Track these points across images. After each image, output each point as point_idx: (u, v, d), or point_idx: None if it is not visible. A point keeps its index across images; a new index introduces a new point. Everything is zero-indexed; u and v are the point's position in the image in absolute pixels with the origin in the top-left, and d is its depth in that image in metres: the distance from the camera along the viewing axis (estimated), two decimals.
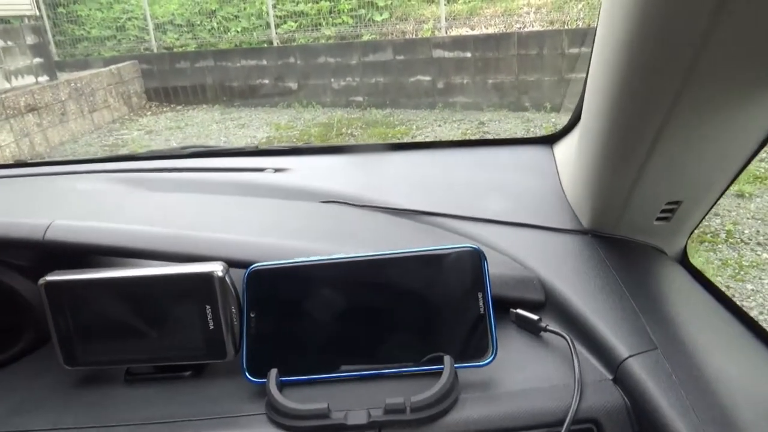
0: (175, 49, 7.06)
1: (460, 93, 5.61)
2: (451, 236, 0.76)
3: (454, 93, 5.64)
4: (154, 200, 0.85)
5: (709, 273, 2.46)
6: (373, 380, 0.56)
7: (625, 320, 0.58)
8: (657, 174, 0.59)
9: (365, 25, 6.38)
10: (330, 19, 6.54)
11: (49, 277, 0.58)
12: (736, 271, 2.48)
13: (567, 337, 0.58)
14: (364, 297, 0.58)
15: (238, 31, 6.90)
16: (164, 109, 6.71)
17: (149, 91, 6.91)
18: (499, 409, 0.53)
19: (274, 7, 6.68)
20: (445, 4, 6.00)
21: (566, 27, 5.37)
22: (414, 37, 6.02)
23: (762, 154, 3.62)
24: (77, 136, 5.86)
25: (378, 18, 6.35)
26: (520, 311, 0.63)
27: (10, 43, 5.57)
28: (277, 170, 1.02)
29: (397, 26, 6.27)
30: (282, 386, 0.56)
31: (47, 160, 1.29)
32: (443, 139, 3.55)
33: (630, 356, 0.54)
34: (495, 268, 0.65)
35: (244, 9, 6.98)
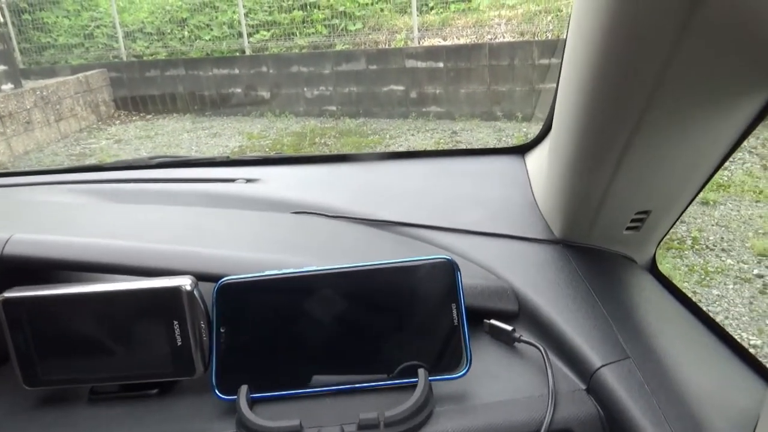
0: (144, 58, 6.94)
1: (433, 103, 5.64)
2: (425, 247, 0.76)
3: (427, 103, 5.67)
4: (119, 212, 0.83)
5: (677, 279, 2.51)
6: (346, 394, 0.55)
7: (597, 329, 0.59)
8: (626, 184, 0.60)
9: (338, 35, 6.38)
10: (303, 29, 6.53)
11: (8, 294, 0.55)
12: (702, 276, 2.54)
13: (540, 348, 0.58)
14: (336, 310, 0.57)
15: (209, 40, 6.84)
16: (134, 118, 6.59)
17: (118, 100, 6.78)
18: (474, 421, 0.52)
19: (247, 16, 6.64)
20: (417, 15, 6.05)
21: (536, 38, 5.45)
22: (387, 47, 6.05)
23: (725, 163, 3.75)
24: (43, 145, 5.72)
25: (352, 28, 6.36)
26: (493, 322, 0.63)
27: None
28: (248, 181, 1.01)
29: (370, 36, 6.29)
30: (253, 403, 0.54)
31: (8, 171, 1.25)
32: (416, 149, 3.56)
33: (602, 366, 0.54)
34: (468, 278, 0.64)
35: (216, 18, 6.92)
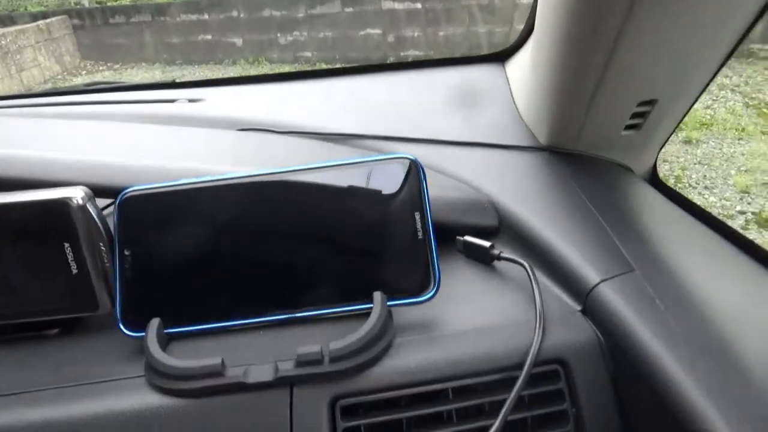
0: (108, 3, 6.58)
1: (412, 46, 5.43)
2: None
3: (405, 46, 5.46)
4: (32, 128, 0.70)
5: None
6: (282, 327, 0.45)
7: (593, 240, 0.48)
8: (626, 71, 0.49)
9: None
10: None
11: None
12: None
13: (525, 264, 0.48)
14: (270, 225, 0.46)
15: None
16: (100, 68, 6.29)
17: (83, 49, 6.45)
18: (443, 353, 0.42)
19: None
20: None
21: None
22: None
23: (707, 101, 3.65)
24: None
25: None
26: (468, 238, 0.52)
27: None
28: (191, 101, 0.88)
29: None
30: (168, 340, 0.44)
31: None
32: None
33: (602, 281, 0.44)
34: (439, 190, 0.54)
35: None
